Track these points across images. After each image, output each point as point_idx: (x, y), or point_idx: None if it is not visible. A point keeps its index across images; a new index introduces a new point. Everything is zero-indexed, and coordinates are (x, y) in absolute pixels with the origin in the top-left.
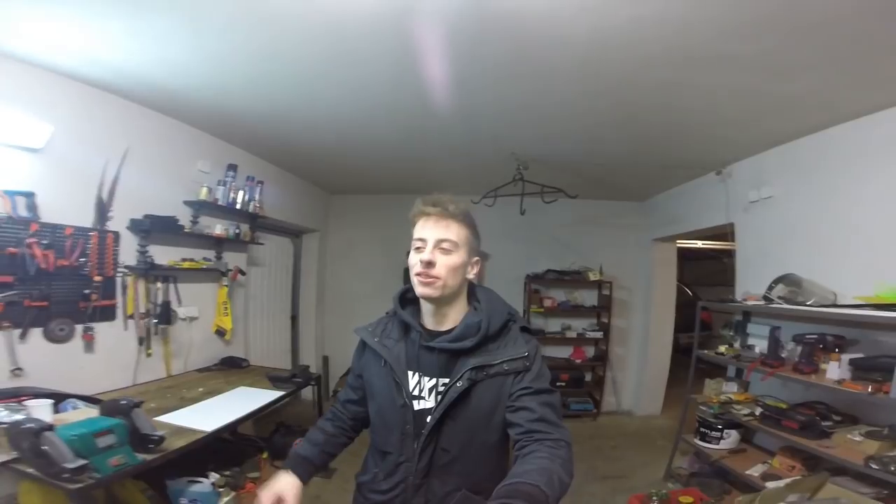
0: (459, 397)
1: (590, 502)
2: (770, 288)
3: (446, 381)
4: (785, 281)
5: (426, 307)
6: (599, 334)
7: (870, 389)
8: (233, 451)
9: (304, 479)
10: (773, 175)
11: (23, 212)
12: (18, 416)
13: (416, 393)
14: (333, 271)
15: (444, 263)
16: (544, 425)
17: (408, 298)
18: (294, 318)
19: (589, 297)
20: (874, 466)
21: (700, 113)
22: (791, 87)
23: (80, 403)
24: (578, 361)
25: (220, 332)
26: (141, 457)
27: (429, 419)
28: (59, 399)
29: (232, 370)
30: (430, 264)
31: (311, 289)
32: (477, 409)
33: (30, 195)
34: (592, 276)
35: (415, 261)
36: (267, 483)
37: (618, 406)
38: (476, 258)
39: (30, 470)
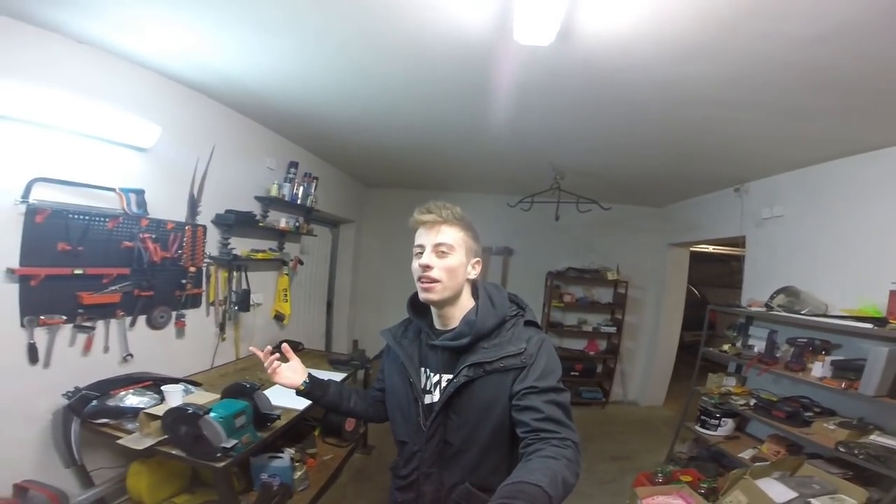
0: (460, 392)
1: (602, 478)
2: (772, 297)
3: (449, 376)
4: (785, 292)
5: (433, 309)
6: (613, 329)
7: (843, 385)
8: (292, 429)
9: (308, 384)
10: (785, 196)
11: (135, 208)
12: (144, 399)
13: (426, 388)
14: (367, 261)
15: (442, 266)
16: (551, 424)
17: (417, 303)
18: (329, 305)
19: (605, 295)
20: (841, 450)
21: (727, 140)
22: (807, 126)
23: (192, 387)
24: (592, 353)
25: (279, 318)
26: (260, 434)
27: (432, 413)
28: (163, 383)
29: None
30: (427, 267)
31: (346, 276)
32: (477, 404)
33: (140, 192)
34: (610, 276)
35: (415, 266)
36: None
37: (625, 396)
38: (476, 259)
39: (174, 451)
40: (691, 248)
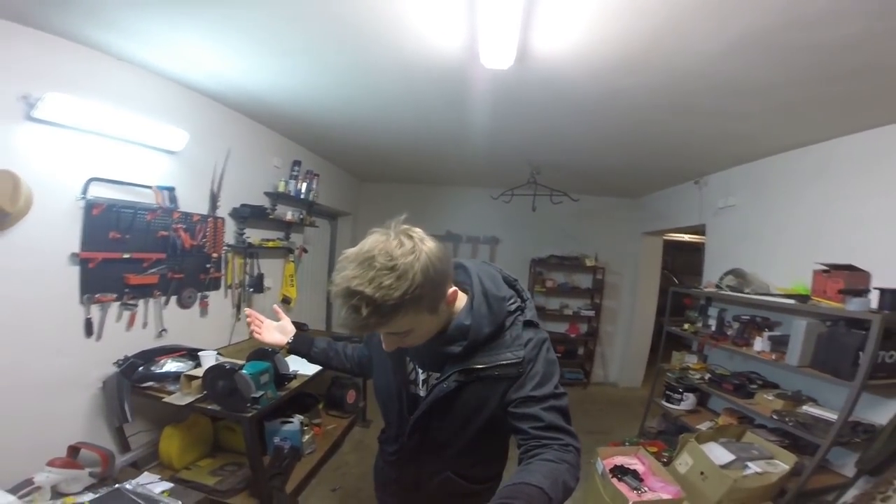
0: (447, 396)
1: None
2: (721, 278)
3: (438, 375)
4: (733, 273)
5: None
6: (592, 313)
7: (774, 357)
8: (299, 402)
9: (295, 345)
10: (736, 188)
11: (168, 203)
12: (182, 365)
13: (411, 378)
14: None
15: (410, 340)
16: (551, 432)
17: None
18: (329, 292)
19: (585, 281)
20: (775, 418)
21: (680, 138)
22: (743, 126)
23: (219, 356)
24: (573, 336)
25: (286, 301)
26: (279, 392)
27: (416, 410)
28: (195, 352)
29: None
30: (397, 349)
31: None
32: (464, 408)
33: (172, 189)
34: (589, 263)
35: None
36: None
37: (605, 378)
38: (451, 290)
39: (210, 406)
40: (671, 238)
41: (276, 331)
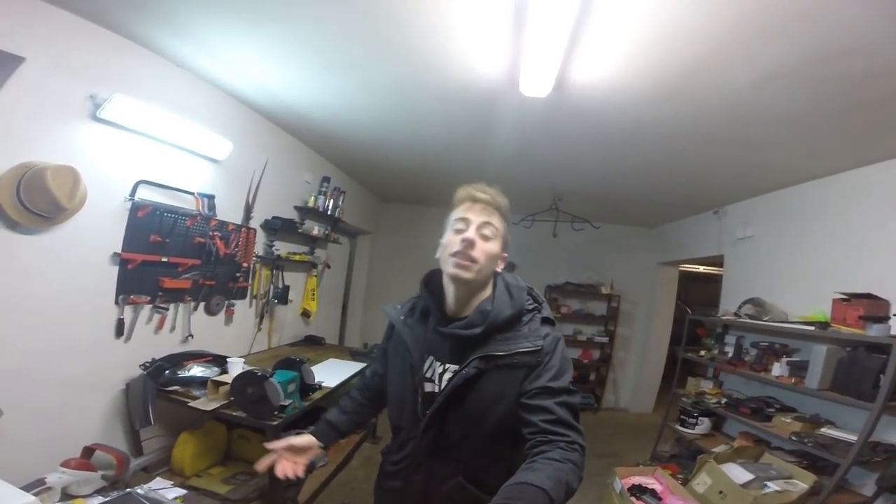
0: (465, 385)
1: (590, 472)
2: (740, 307)
3: (455, 367)
4: (752, 302)
5: (451, 291)
6: (605, 339)
7: (793, 381)
8: (311, 417)
9: (327, 443)
10: (755, 218)
11: (207, 210)
12: (208, 371)
13: (427, 375)
14: (380, 270)
15: (484, 248)
16: (560, 427)
17: (430, 284)
18: (344, 308)
19: (599, 308)
20: (794, 439)
21: (702, 168)
22: (766, 156)
23: (244, 364)
24: (586, 361)
25: (305, 314)
26: (303, 403)
27: (434, 403)
28: (222, 358)
29: (315, 346)
30: (471, 244)
31: (360, 283)
32: (482, 398)
33: (212, 197)
34: (604, 290)
35: (454, 240)
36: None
37: (616, 403)
38: (505, 254)
39: (236, 413)
40: (686, 269)
41: (300, 453)
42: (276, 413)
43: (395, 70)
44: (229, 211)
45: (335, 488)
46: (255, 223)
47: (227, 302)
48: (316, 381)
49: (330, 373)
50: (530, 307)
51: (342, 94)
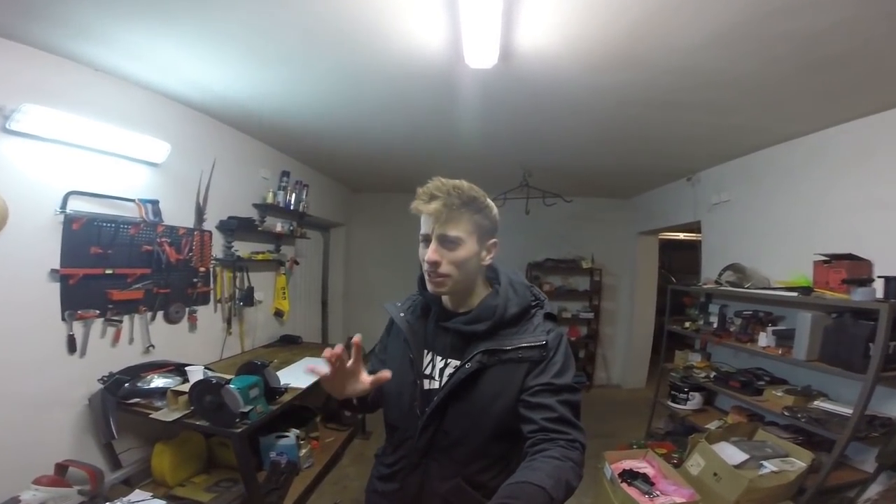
0: (467, 381)
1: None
2: (720, 274)
3: (457, 362)
4: (732, 268)
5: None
6: (591, 315)
7: (780, 352)
8: (295, 416)
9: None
10: (730, 183)
11: (151, 216)
12: (169, 380)
13: (427, 372)
14: (356, 261)
15: (451, 260)
16: (561, 425)
17: None
18: (324, 303)
19: (582, 283)
20: (786, 414)
21: (670, 134)
22: (732, 120)
23: (208, 371)
24: (573, 339)
25: (279, 314)
26: (270, 406)
27: (434, 399)
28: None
29: (291, 346)
30: (434, 264)
31: (338, 277)
32: (483, 395)
33: (155, 202)
34: (585, 265)
35: (422, 255)
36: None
37: (608, 380)
38: (492, 241)
39: (199, 422)
40: (667, 237)
41: (354, 378)
42: (237, 420)
43: (334, 55)
44: (178, 215)
45: (326, 488)
46: (209, 225)
47: (187, 309)
48: (282, 384)
49: (303, 374)
50: (534, 303)
51: (283, 85)
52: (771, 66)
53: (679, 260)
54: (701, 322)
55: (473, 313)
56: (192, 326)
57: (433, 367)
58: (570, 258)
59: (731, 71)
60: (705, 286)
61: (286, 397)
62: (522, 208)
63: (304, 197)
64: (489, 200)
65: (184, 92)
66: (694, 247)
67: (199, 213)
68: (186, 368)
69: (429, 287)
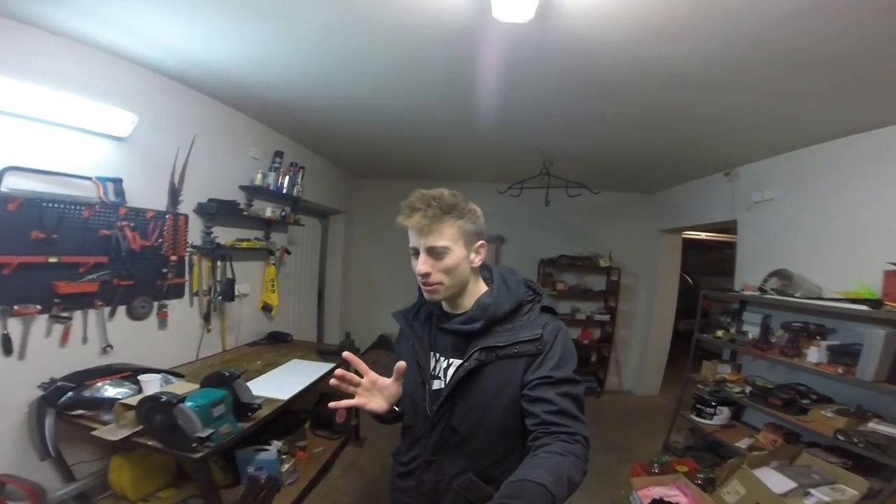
0: (469, 378)
1: (597, 469)
2: (765, 280)
3: (459, 361)
4: (778, 275)
5: None
6: (606, 317)
7: (840, 371)
8: (281, 421)
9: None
10: (775, 179)
11: (112, 197)
12: (122, 390)
13: (433, 373)
14: (357, 251)
15: (441, 269)
16: (562, 418)
17: None
18: (321, 295)
19: (598, 283)
20: (841, 438)
21: (715, 123)
22: (793, 107)
23: (172, 378)
24: (586, 342)
25: (267, 308)
26: (241, 424)
27: (439, 398)
28: (147, 374)
29: (279, 344)
30: (426, 275)
31: (336, 267)
32: (485, 391)
33: (118, 181)
34: (603, 263)
35: (414, 267)
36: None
37: (619, 386)
38: (480, 243)
39: (151, 442)
40: (683, 236)
41: (379, 394)
42: (194, 445)
43: (330, 8)
44: (146, 196)
45: (313, 503)
46: (185, 208)
47: (156, 303)
48: (258, 396)
49: (288, 379)
50: (529, 298)
51: (270, 49)
52: (866, 43)
53: (695, 260)
54: (733, 330)
55: (469, 313)
56: (163, 323)
57: (438, 367)
58: (586, 255)
59: (816, 49)
60: (745, 292)
61: (263, 412)
62: (537, 200)
63: (298, 180)
64: (472, 205)
65: (155, 57)
66: (712, 248)
67: (174, 194)
68: (140, 378)
69: (425, 296)
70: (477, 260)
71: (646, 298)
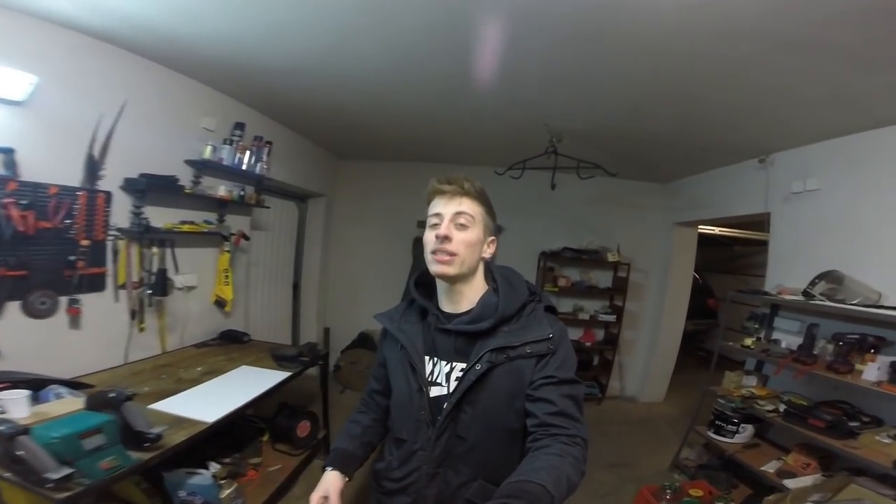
0: (477, 382)
1: (599, 490)
2: (813, 283)
3: (463, 365)
4: (828, 278)
5: (442, 287)
6: (612, 318)
7: None
8: (233, 434)
9: (349, 474)
10: (822, 167)
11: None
12: None
13: (431, 379)
14: (339, 238)
15: (461, 239)
16: (562, 419)
17: (422, 284)
18: (296, 287)
19: (604, 279)
20: None
21: (761, 95)
22: (869, 81)
23: (63, 391)
24: (588, 344)
25: (220, 303)
26: (136, 456)
27: (445, 405)
28: (38, 386)
29: (232, 345)
30: (446, 239)
31: (315, 256)
32: (496, 395)
33: (8, 151)
34: (611, 257)
35: (430, 238)
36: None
37: (622, 391)
38: (492, 237)
39: (7, 475)
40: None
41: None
42: (49, 485)
43: None
44: (52, 169)
45: None
46: (108, 184)
47: (63, 298)
48: (152, 428)
49: (227, 393)
50: (530, 298)
51: None
52: None
53: (704, 257)
54: (762, 338)
55: (475, 312)
56: (75, 321)
57: (437, 372)
58: (592, 248)
59: None
60: (783, 296)
61: (175, 438)
62: (539, 185)
63: (264, 157)
64: (492, 203)
65: (65, 11)
66: (721, 244)
67: (92, 167)
68: (2, 396)
69: (434, 269)
70: (487, 252)
71: (655, 298)
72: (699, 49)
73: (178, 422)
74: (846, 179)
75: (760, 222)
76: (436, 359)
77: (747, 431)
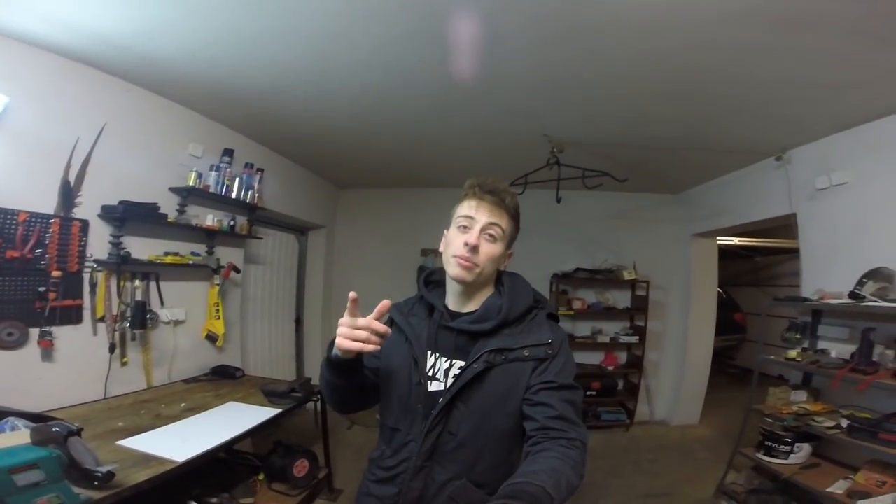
0: (473, 381)
1: None
2: (861, 284)
3: (462, 363)
4: (876, 276)
5: (453, 288)
6: (634, 339)
7: None
8: (224, 470)
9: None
10: (848, 158)
11: None
12: None
13: (430, 373)
14: (341, 269)
15: (487, 252)
16: (562, 423)
17: (431, 281)
18: (298, 322)
19: (622, 299)
20: None
21: (769, 86)
22: (884, 58)
23: (21, 423)
24: (610, 368)
25: (212, 338)
26: (85, 495)
27: (440, 400)
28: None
29: (223, 381)
30: (474, 249)
31: (317, 289)
32: (490, 395)
33: None
34: (627, 276)
35: (457, 241)
36: None
37: (651, 416)
38: (510, 251)
39: None
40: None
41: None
42: None
43: None
44: (20, 194)
45: None
46: (85, 212)
47: (34, 330)
48: (100, 467)
49: (208, 430)
50: (534, 304)
51: (176, 9)
52: None
53: (725, 271)
54: (807, 349)
55: (479, 312)
56: (47, 354)
57: (436, 368)
58: (606, 268)
59: None
60: (827, 301)
61: (135, 477)
62: (544, 203)
63: (254, 184)
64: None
65: (42, 34)
66: (743, 256)
67: (67, 194)
68: None
69: (453, 272)
70: (503, 264)
71: (678, 315)
72: (695, 38)
73: (146, 459)
74: (878, 168)
75: (782, 227)
76: (437, 354)
77: (804, 451)
